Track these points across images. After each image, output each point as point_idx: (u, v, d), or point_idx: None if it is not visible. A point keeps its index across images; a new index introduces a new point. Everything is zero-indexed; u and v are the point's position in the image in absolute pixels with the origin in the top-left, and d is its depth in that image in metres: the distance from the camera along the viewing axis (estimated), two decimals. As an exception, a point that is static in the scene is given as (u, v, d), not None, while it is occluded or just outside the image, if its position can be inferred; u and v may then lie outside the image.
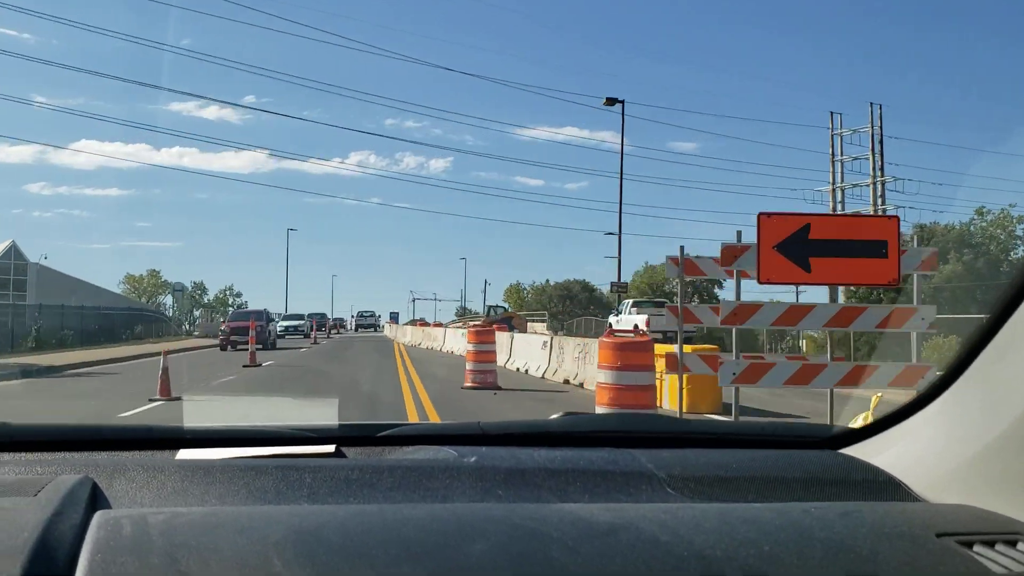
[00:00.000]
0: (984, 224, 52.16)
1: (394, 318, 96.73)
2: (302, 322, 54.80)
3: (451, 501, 1.39)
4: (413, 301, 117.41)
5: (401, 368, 23.92)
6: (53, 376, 22.47)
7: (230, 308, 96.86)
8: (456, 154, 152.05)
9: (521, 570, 1.08)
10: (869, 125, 60.87)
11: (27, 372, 22.28)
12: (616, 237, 46.57)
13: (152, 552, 1.05)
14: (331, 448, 1.68)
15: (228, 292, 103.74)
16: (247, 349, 27.96)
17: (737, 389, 10.01)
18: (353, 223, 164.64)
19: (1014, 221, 49.51)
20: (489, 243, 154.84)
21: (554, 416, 1.98)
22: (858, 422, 4.90)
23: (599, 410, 11.00)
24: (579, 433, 1.88)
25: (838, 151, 62.20)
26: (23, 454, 1.60)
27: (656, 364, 12.04)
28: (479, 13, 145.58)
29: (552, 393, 17.03)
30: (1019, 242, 50.04)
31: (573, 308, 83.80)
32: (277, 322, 43.05)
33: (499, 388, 17.51)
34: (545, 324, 56.55)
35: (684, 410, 12.87)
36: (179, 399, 14.45)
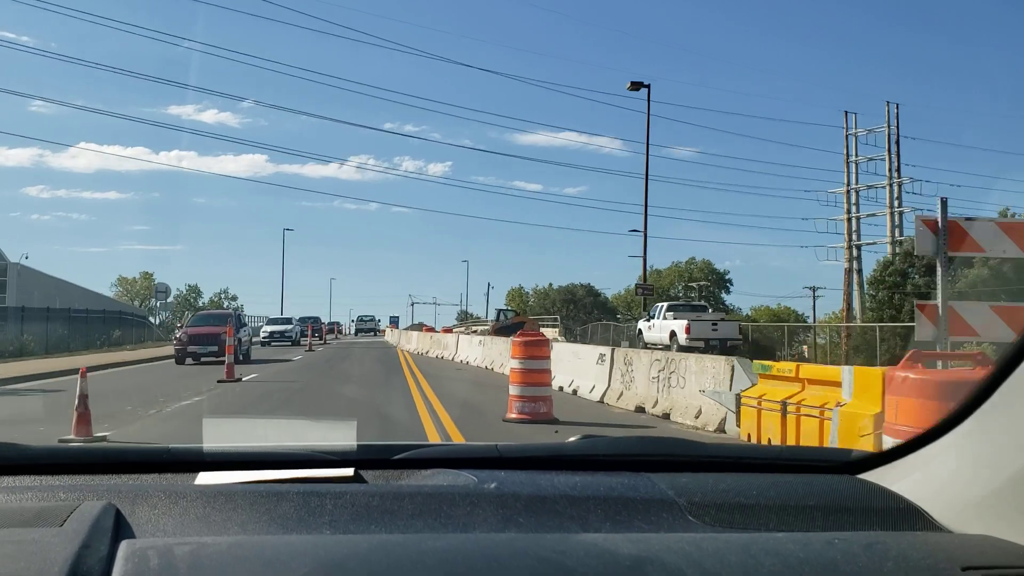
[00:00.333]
0: (1010, 226, 47.50)
1: (394, 322, 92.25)
2: (290, 327, 47.24)
3: (472, 529, 1.36)
4: (412, 305, 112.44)
5: (414, 386, 18.61)
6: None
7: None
8: (455, 158, 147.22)
9: None
10: (885, 125, 57.70)
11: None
12: (641, 235, 41.42)
13: None
14: (350, 472, 1.63)
15: (223, 295, 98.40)
16: (215, 362, 23.04)
17: None
18: (351, 227, 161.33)
19: (1042, 222, 44.78)
20: (489, 247, 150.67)
21: (572, 439, 1.93)
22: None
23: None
24: (597, 457, 1.84)
25: (852, 152, 59.34)
26: (44, 477, 1.59)
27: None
28: (486, 11, 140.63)
29: (636, 429, 11.77)
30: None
31: (577, 312, 79.22)
32: (247, 327, 32.70)
33: (558, 421, 12.21)
34: (557, 330, 51.50)
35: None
36: (103, 438, 9.25)
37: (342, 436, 1.87)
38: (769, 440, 9.19)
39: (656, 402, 13.32)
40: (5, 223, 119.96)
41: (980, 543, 1.32)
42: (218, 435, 1.99)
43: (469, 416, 13.29)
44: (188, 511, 1.37)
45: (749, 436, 9.95)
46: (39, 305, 37.61)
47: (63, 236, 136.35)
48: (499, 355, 23.84)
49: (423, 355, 34.12)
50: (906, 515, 1.49)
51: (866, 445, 6.12)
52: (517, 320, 47.27)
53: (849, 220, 60.00)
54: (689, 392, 12.52)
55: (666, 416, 12.77)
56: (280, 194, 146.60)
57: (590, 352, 17.06)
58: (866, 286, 55.94)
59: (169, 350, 37.76)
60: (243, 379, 20.00)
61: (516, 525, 1.39)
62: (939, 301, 6.52)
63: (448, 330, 48.66)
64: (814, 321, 66.70)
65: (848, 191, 59.82)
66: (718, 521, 1.46)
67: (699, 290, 79.43)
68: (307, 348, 39.14)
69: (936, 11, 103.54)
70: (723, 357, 12.31)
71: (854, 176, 59.44)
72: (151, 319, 57.89)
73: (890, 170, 57.71)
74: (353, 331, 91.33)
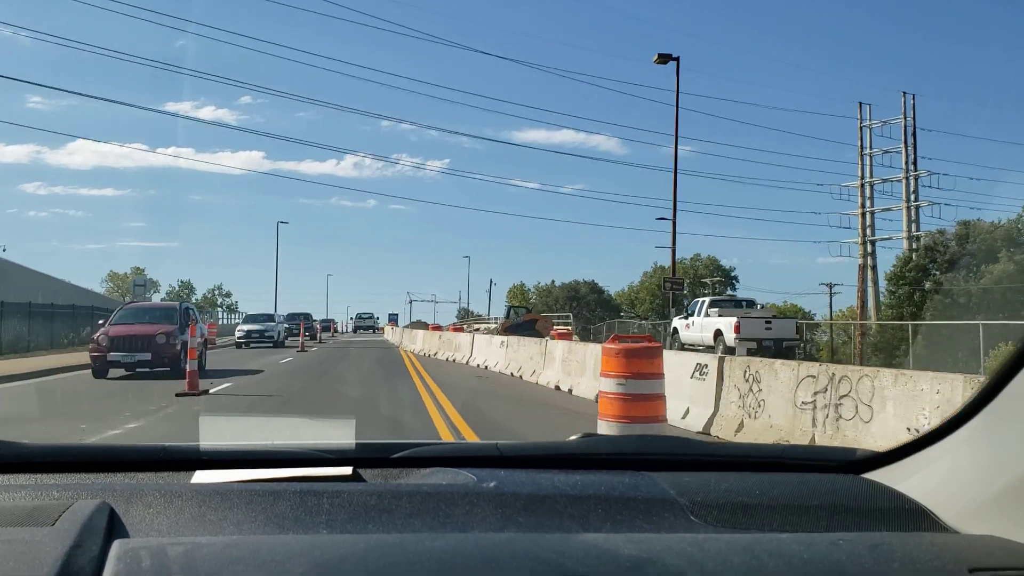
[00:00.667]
0: (1037, 220, 44.97)
1: (393, 320, 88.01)
2: (271, 325, 38.53)
3: (471, 529, 1.33)
4: (410, 303, 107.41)
5: (429, 402, 13.59)
6: None
7: (219, 309, 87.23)
8: (454, 155, 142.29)
9: None
10: (901, 116, 54.41)
11: None
12: (668, 224, 36.46)
13: None
14: (348, 470, 1.57)
15: (217, 292, 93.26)
16: (144, 373, 18.12)
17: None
18: (348, 225, 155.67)
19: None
20: (489, 245, 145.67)
21: (573, 437, 1.88)
22: None
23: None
24: (598, 455, 1.79)
25: (867, 144, 56.30)
26: (39, 476, 1.54)
27: None
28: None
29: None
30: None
31: (580, 310, 74.43)
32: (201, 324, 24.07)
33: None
34: (570, 329, 46.63)
35: None
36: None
37: (341, 434, 1.78)
38: None
39: (813, 441, 8.37)
40: (2, 220, 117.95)
41: (986, 543, 1.28)
42: (215, 433, 1.92)
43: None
44: (183, 510, 1.32)
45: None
46: (18, 300, 32.67)
47: (60, 233, 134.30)
48: (529, 360, 18.91)
49: (431, 357, 28.98)
50: (911, 515, 1.44)
51: None
52: (529, 318, 42.17)
53: (863, 215, 56.41)
54: (881, 429, 7.59)
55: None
56: (277, 192, 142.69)
57: (680, 361, 11.81)
58: (884, 283, 53.76)
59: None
60: (211, 391, 15.11)
61: (515, 524, 1.34)
62: None
63: (458, 328, 43.33)
64: (831, 319, 62.35)
65: (862, 185, 56.18)
66: (721, 521, 1.41)
67: (712, 287, 74.54)
68: (299, 348, 33.88)
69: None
70: (950, 375, 7.35)
71: (868, 169, 55.99)
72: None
73: (906, 163, 54.27)
74: (351, 328, 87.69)
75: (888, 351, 39.37)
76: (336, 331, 75.18)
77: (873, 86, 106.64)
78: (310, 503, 1.35)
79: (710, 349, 26.52)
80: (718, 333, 27.06)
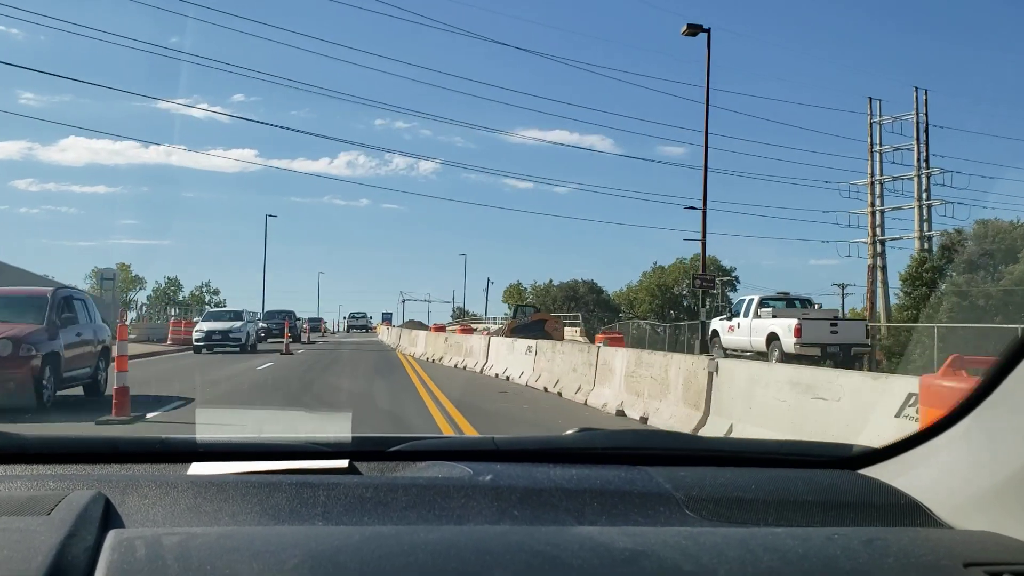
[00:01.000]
0: (1055, 220, 42.78)
1: (387, 319, 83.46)
2: (238, 324, 29.83)
3: (467, 522, 1.31)
4: (403, 302, 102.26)
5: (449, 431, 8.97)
6: None
7: (206, 307, 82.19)
8: (446, 155, 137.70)
9: None
10: (913, 112, 51.28)
11: None
12: (699, 214, 31.86)
13: (167, 575, 0.99)
14: (344, 463, 1.54)
15: (204, 289, 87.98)
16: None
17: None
18: (341, 224, 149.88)
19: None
20: (483, 244, 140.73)
21: (569, 432, 1.81)
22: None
23: None
24: (594, 450, 1.73)
25: (877, 140, 53.28)
26: (36, 467, 1.51)
27: None
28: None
29: None
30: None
31: (578, 310, 69.94)
32: (97, 323, 13.65)
33: None
34: (579, 330, 42.00)
35: None
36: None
37: (337, 428, 1.75)
38: None
39: None
40: None
41: (982, 539, 1.27)
42: (212, 425, 1.83)
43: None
44: (179, 501, 1.30)
45: None
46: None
47: (52, 230, 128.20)
48: (571, 372, 14.17)
49: (435, 363, 24.15)
50: (907, 511, 1.42)
51: None
52: (537, 318, 37.43)
53: (873, 213, 53.08)
54: None
55: None
56: (270, 190, 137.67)
57: (817, 378, 7.04)
58: (898, 283, 49.28)
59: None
60: (148, 415, 10.62)
61: (511, 518, 1.33)
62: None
63: (467, 329, 38.41)
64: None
65: (872, 183, 52.95)
66: (716, 515, 1.39)
67: (721, 287, 70.03)
68: (282, 351, 28.96)
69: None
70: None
71: (878, 167, 52.83)
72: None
73: (918, 160, 51.23)
74: (344, 328, 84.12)
75: (902, 354, 35.53)
76: (326, 331, 69.88)
77: (883, 81, 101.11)
78: (306, 495, 1.32)
79: (760, 356, 21.93)
80: (772, 338, 22.40)
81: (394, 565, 1.03)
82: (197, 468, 1.53)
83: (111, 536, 1.08)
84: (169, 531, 1.15)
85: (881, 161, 52.81)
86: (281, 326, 35.76)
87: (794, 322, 21.69)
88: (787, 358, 21.23)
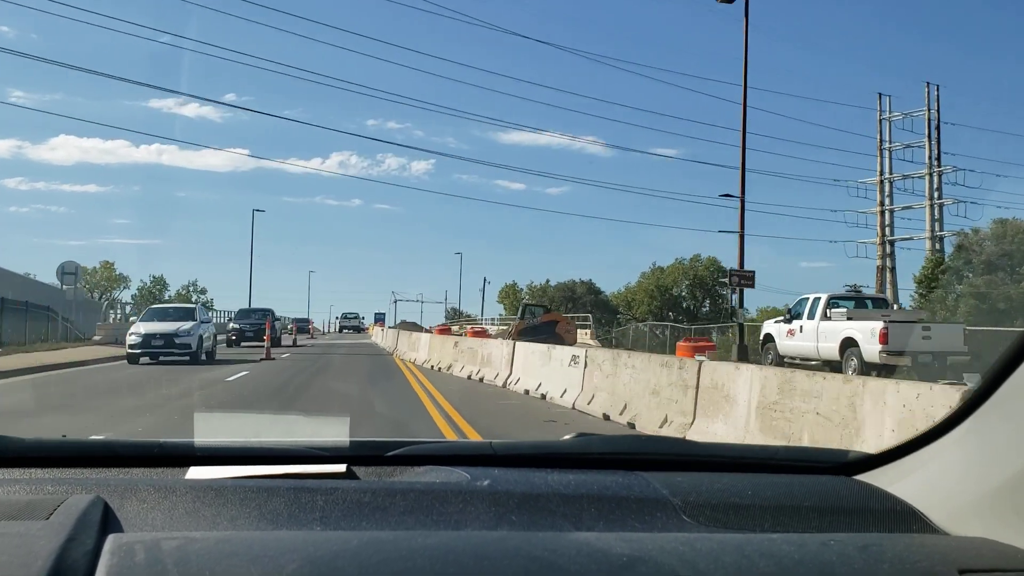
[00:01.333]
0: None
1: (380, 319, 78.74)
2: (186, 327, 21.77)
3: (465, 527, 1.28)
4: (395, 302, 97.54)
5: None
6: None
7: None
8: (439, 156, 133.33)
9: None
10: (925, 108, 48.43)
11: None
12: (736, 203, 27.59)
13: None
14: (342, 468, 1.51)
15: (191, 288, 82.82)
16: None
17: None
18: (333, 223, 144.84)
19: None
20: (475, 244, 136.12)
21: (567, 437, 1.81)
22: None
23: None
24: (592, 455, 1.71)
25: (887, 137, 50.56)
26: (33, 470, 1.47)
27: None
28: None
29: None
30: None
31: (576, 312, 65.64)
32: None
33: None
34: (589, 332, 37.70)
35: None
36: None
37: (335, 432, 1.72)
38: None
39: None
40: None
41: (977, 545, 1.24)
42: (210, 430, 1.84)
43: None
44: (177, 506, 1.28)
45: None
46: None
47: (42, 229, 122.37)
48: (651, 394, 9.71)
49: (443, 373, 19.55)
50: (902, 517, 1.39)
51: None
52: (548, 319, 32.95)
53: (882, 213, 50.52)
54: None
55: None
56: (261, 190, 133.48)
57: None
58: (914, 285, 45.76)
59: (65, 355, 22.59)
60: None
61: (509, 523, 1.30)
62: None
63: (481, 332, 33.56)
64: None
65: (881, 181, 50.41)
66: (713, 521, 1.36)
67: (733, 287, 65.81)
68: (263, 356, 24.39)
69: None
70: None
71: (888, 164, 50.43)
72: (114, 311, 42.46)
73: (930, 158, 48.60)
74: (336, 328, 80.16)
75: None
76: (314, 332, 64.43)
77: (893, 76, 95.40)
78: (304, 500, 1.30)
79: (828, 366, 17.63)
80: (848, 344, 18.09)
81: (393, 570, 1.02)
82: (195, 472, 1.49)
83: (110, 540, 1.06)
84: (168, 535, 1.13)
85: (891, 159, 50.16)
86: (258, 327, 30.92)
87: (879, 325, 17.34)
88: (866, 368, 16.96)
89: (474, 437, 9.07)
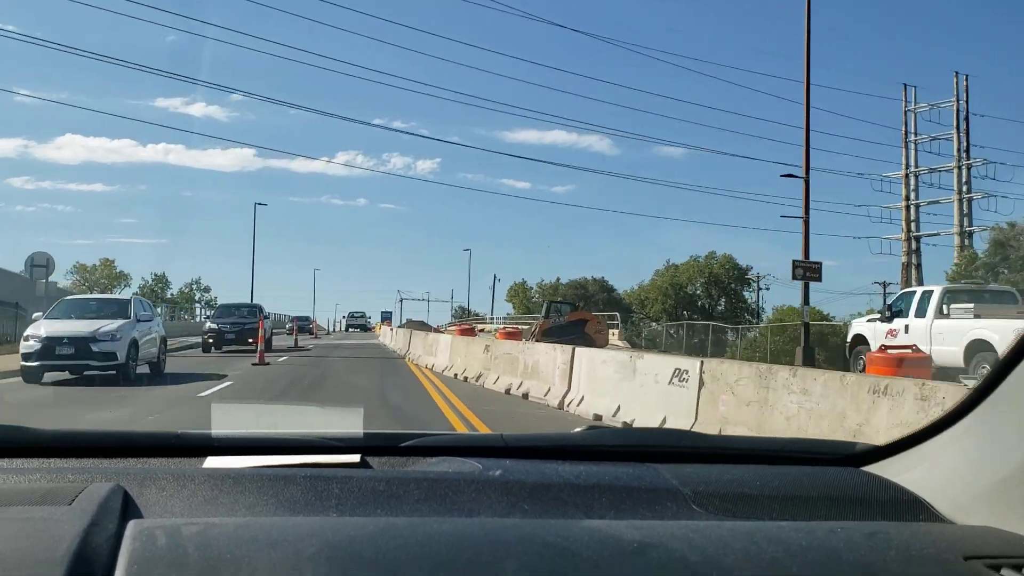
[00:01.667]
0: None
1: (387, 318, 74.64)
2: (114, 327, 14.25)
3: (477, 515, 1.27)
4: (401, 301, 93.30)
5: None
6: None
7: (196, 304, 73.32)
8: (445, 155, 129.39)
9: None
10: (953, 99, 44.90)
11: None
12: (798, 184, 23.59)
13: (187, 564, 0.96)
14: (356, 458, 1.51)
15: (195, 286, 78.84)
16: None
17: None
18: (338, 223, 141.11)
19: None
20: (480, 244, 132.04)
21: (578, 430, 1.77)
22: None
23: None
24: (603, 447, 1.68)
25: (912, 130, 47.06)
26: (53, 460, 1.46)
27: None
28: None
29: None
30: None
31: (589, 310, 61.74)
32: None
33: None
34: (617, 332, 33.71)
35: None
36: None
37: (349, 423, 1.72)
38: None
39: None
40: None
41: (983, 534, 1.24)
42: (227, 421, 1.80)
43: None
44: (196, 493, 1.27)
45: None
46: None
47: (49, 228, 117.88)
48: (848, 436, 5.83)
49: (471, 384, 15.32)
50: (909, 507, 1.39)
51: None
52: (576, 318, 28.83)
53: (908, 208, 47.15)
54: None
55: None
56: (267, 189, 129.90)
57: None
58: (946, 283, 44.90)
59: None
60: None
61: (521, 511, 1.30)
62: None
63: (515, 334, 28.98)
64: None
65: (907, 175, 46.95)
66: (722, 510, 1.36)
67: (794, 278, 61.85)
68: (255, 361, 20.11)
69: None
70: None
71: (913, 158, 46.92)
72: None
73: (958, 151, 45.07)
74: (343, 328, 76.74)
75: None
76: (318, 331, 59.52)
77: (920, 66, 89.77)
78: (320, 488, 1.30)
79: (945, 374, 13.58)
80: (977, 347, 14.03)
81: (408, 555, 1.02)
82: (212, 462, 1.48)
83: (131, 526, 1.06)
84: (188, 521, 1.14)
85: (916, 152, 46.70)
86: (241, 328, 25.50)
87: (1021, 325, 13.28)
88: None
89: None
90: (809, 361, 20.23)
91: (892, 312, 16.63)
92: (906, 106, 47.39)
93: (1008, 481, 1.26)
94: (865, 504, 1.39)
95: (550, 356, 12.58)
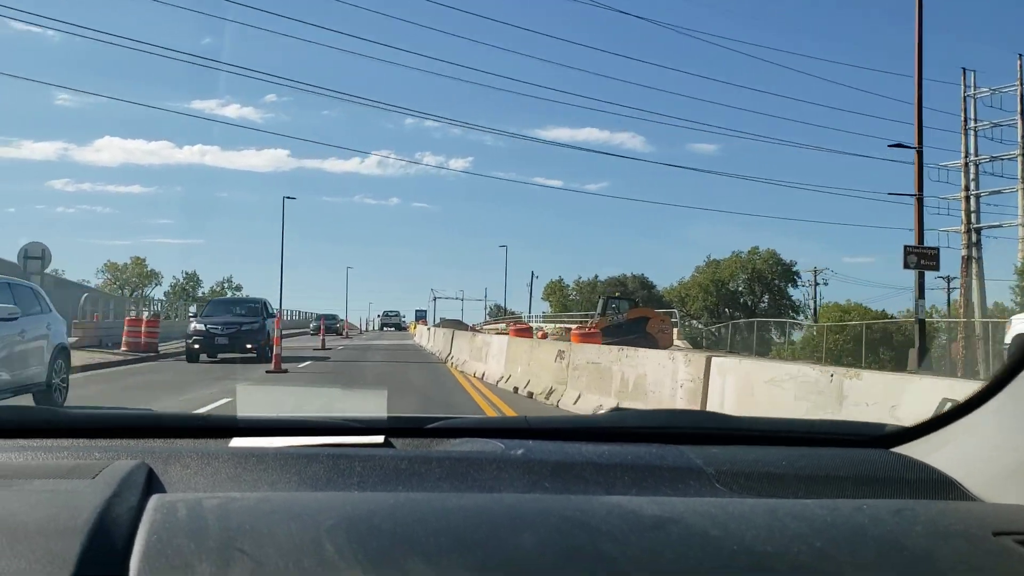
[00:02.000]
0: None
1: (421, 317, 71.41)
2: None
3: (498, 492, 1.25)
4: (434, 299, 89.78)
5: None
6: None
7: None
8: (477, 153, 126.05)
9: (571, 562, 0.97)
10: (1017, 83, 40.83)
11: None
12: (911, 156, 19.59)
13: (207, 535, 0.97)
14: (380, 439, 1.49)
15: (226, 285, 75.93)
16: None
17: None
18: (371, 222, 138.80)
19: None
20: (513, 243, 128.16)
21: (601, 412, 1.29)
22: None
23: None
24: (626, 429, 1.66)
25: (972, 116, 43.22)
26: (82, 440, 1.45)
27: None
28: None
29: None
30: None
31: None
32: None
33: None
34: (676, 330, 29.73)
35: None
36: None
37: (374, 406, 1.69)
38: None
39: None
40: (31, 215, 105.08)
41: (1013, 511, 1.21)
42: (252, 403, 1.85)
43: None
44: (220, 471, 1.25)
45: None
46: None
47: (87, 229, 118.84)
48: None
49: (542, 402, 11.43)
50: (939, 486, 1.34)
51: None
52: (637, 315, 24.91)
53: (967, 198, 43.43)
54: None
55: None
56: (301, 189, 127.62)
57: None
58: (1015, 276, 41.41)
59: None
60: None
61: (542, 489, 1.27)
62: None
63: (592, 335, 24.23)
64: (951, 318, 48.19)
65: (966, 164, 43.18)
66: (746, 490, 1.32)
67: (906, 266, 57.48)
68: (271, 368, 16.40)
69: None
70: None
71: (973, 145, 43.17)
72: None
73: (1023, 137, 41.25)
74: (377, 327, 74.30)
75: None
76: (348, 331, 54.89)
77: (980, 48, 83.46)
78: (343, 466, 1.28)
79: None
80: None
81: (427, 528, 1.01)
82: (237, 443, 1.47)
83: (153, 499, 1.06)
84: (209, 495, 1.12)
85: (977, 139, 42.79)
86: (235, 331, 19.37)
87: None
88: None
89: None
90: (924, 361, 16.42)
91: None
92: (965, 91, 43.54)
93: None
94: (893, 484, 1.35)
95: (667, 368, 8.56)
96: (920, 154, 18.72)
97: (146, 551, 0.92)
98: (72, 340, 24.13)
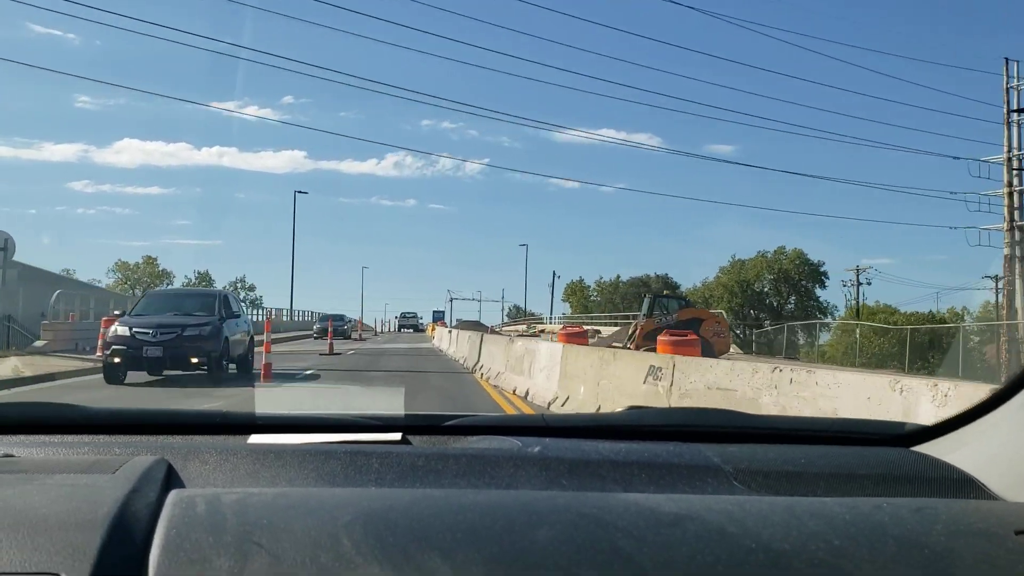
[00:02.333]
0: None
1: (439, 318, 68.14)
2: None
3: (515, 488, 1.24)
4: (451, 301, 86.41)
5: None
6: None
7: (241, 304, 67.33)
8: (493, 155, 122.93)
9: (587, 558, 0.96)
10: None
11: None
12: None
13: (225, 530, 0.96)
14: (397, 436, 1.49)
15: (239, 285, 72.80)
16: None
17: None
18: (387, 224, 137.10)
19: None
20: (531, 243, 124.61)
21: (619, 410, 1.78)
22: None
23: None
24: (644, 427, 1.63)
25: (1014, 107, 39.51)
26: (101, 436, 1.47)
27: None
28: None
29: None
30: None
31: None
32: None
33: None
34: (728, 335, 26.08)
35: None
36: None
37: (391, 404, 1.65)
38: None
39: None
40: (51, 217, 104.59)
41: None
42: (270, 400, 1.82)
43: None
44: (238, 467, 1.25)
45: None
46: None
47: (107, 230, 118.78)
48: None
49: None
50: (960, 485, 1.31)
51: None
52: (690, 316, 21.26)
53: (1011, 194, 40.24)
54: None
55: None
56: (318, 190, 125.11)
57: None
58: None
59: None
60: None
61: (559, 486, 1.25)
62: None
63: (680, 339, 18.52)
64: (999, 320, 44.41)
65: (1009, 158, 39.89)
66: (765, 488, 1.30)
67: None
68: (260, 382, 12.79)
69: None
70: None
71: (1016, 138, 39.81)
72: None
73: None
74: (394, 328, 72.34)
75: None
76: (363, 333, 50.52)
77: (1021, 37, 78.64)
78: (360, 462, 1.28)
79: None
80: None
81: (443, 523, 1.01)
82: (255, 439, 1.46)
83: (172, 494, 1.06)
84: (228, 491, 1.12)
85: (1020, 132, 39.27)
86: (177, 335, 12.83)
87: None
88: None
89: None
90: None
91: None
92: (1007, 82, 39.96)
93: None
94: (914, 482, 1.33)
95: (882, 405, 4.74)
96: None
97: (165, 545, 0.92)
98: (39, 343, 20.77)
